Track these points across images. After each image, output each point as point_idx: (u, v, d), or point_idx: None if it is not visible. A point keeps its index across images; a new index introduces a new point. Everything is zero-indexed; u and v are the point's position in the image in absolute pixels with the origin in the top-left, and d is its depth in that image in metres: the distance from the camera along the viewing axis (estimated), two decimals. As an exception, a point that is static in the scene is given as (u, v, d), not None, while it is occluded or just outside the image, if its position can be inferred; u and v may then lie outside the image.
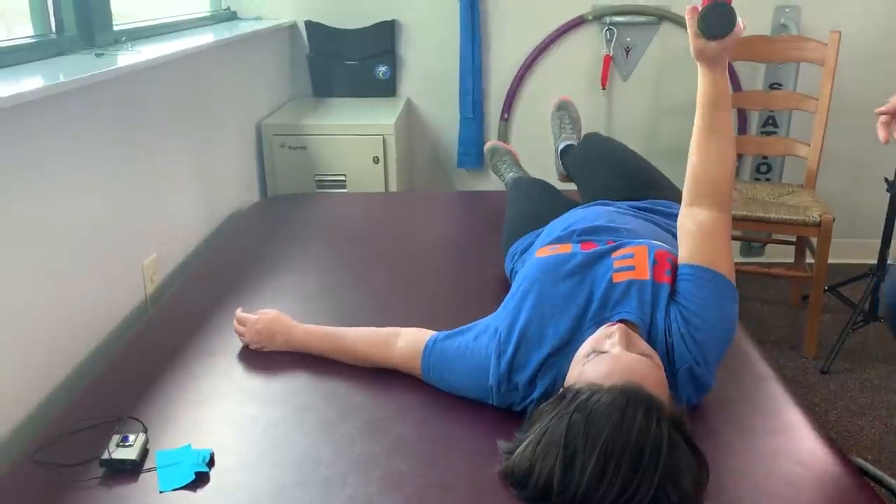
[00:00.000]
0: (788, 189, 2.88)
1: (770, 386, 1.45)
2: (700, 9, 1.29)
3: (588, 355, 1.17)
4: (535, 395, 1.27)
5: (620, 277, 1.32)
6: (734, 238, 3.20)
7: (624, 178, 1.87)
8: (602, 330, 1.22)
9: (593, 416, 1.00)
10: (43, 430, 1.33)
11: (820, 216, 2.55)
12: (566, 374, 1.22)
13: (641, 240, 1.42)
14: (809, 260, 2.84)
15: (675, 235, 1.41)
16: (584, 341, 1.23)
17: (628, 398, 1.02)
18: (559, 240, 1.49)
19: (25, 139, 1.48)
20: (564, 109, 2.43)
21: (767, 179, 3.36)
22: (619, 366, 1.11)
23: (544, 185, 2.10)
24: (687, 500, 1.00)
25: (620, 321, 1.25)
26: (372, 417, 1.34)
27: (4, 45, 1.72)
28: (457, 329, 1.41)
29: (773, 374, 1.49)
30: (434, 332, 1.43)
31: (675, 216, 1.43)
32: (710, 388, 1.28)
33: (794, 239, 3.00)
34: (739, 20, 1.29)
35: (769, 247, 3.41)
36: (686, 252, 1.33)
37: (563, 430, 1.01)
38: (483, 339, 1.35)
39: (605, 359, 1.14)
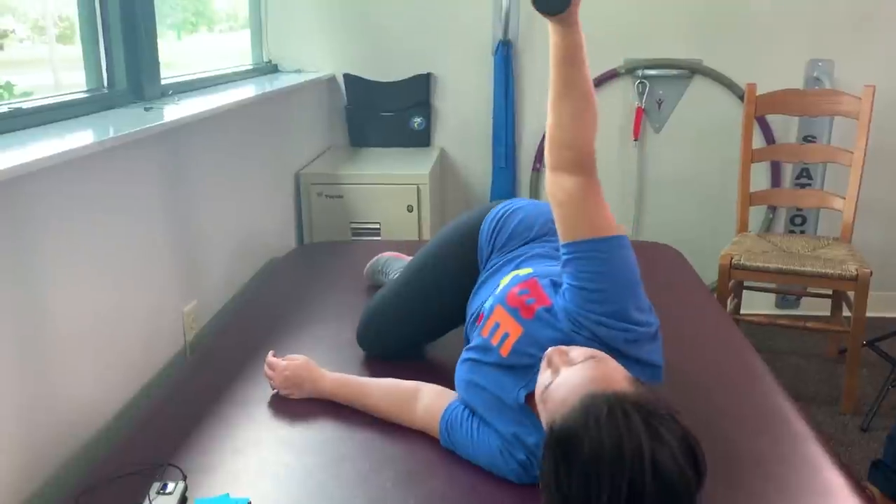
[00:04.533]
0: (824, 242, 2.86)
1: (809, 445, 1.43)
2: None
3: (542, 394, 1.17)
4: None
5: (506, 349, 1.34)
6: (768, 290, 3.17)
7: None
8: (542, 368, 1.21)
9: (569, 445, 1.01)
10: (85, 474, 1.35)
11: (857, 270, 2.53)
12: None
13: (492, 298, 1.45)
14: (846, 313, 2.81)
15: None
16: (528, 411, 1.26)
17: (586, 412, 1.02)
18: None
19: (80, 191, 1.54)
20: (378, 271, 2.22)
21: (802, 232, 3.34)
22: (566, 387, 1.11)
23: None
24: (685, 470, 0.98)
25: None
26: (406, 469, 1.35)
27: (61, 100, 1.80)
28: (465, 414, 1.40)
29: (812, 433, 1.47)
30: (451, 401, 1.44)
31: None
32: (645, 333, 1.27)
33: (830, 292, 2.97)
34: None
35: (804, 298, 3.38)
36: (566, 228, 1.30)
37: (552, 470, 1.03)
38: (484, 434, 1.34)
39: (553, 388, 1.14)
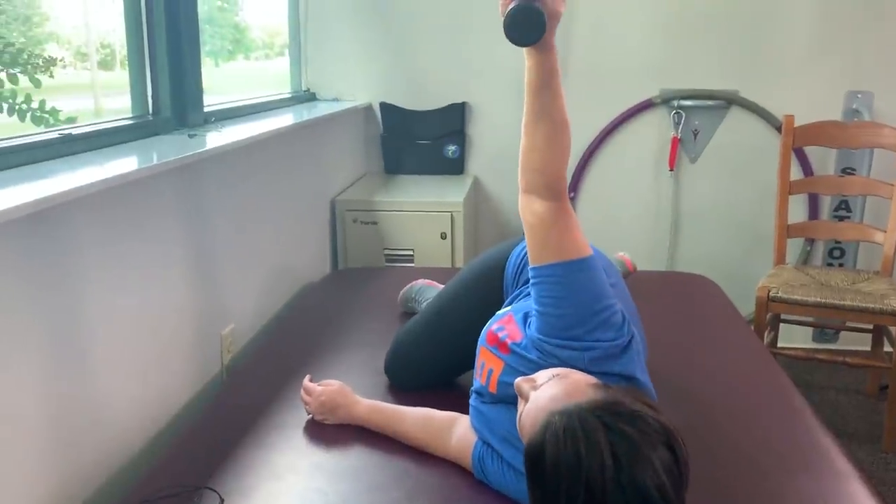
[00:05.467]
0: (864, 276, 2.81)
1: (851, 483, 1.40)
2: (507, 9, 1.20)
3: (519, 424, 1.18)
4: None
5: (493, 386, 1.38)
6: (806, 324, 3.12)
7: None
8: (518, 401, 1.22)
9: (534, 464, 1.04)
10: (120, 497, 1.37)
11: (898, 305, 2.48)
12: None
13: (479, 343, 1.46)
14: (887, 348, 2.75)
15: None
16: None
17: (545, 430, 1.04)
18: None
19: (123, 215, 1.58)
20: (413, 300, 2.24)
21: (841, 265, 3.28)
22: (533, 411, 1.12)
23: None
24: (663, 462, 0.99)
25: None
26: (440, 499, 1.34)
27: (108, 126, 1.84)
28: (495, 453, 1.39)
29: (855, 471, 1.44)
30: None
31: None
32: (611, 347, 1.26)
33: (870, 327, 2.91)
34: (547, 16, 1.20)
35: (843, 332, 3.31)
36: (534, 252, 1.31)
37: (528, 490, 1.06)
38: (513, 473, 1.33)
39: (524, 415, 1.15)
